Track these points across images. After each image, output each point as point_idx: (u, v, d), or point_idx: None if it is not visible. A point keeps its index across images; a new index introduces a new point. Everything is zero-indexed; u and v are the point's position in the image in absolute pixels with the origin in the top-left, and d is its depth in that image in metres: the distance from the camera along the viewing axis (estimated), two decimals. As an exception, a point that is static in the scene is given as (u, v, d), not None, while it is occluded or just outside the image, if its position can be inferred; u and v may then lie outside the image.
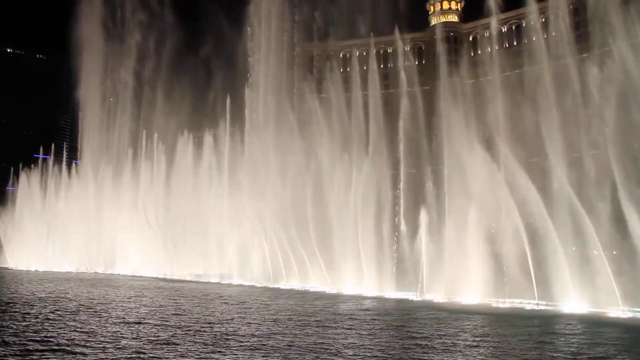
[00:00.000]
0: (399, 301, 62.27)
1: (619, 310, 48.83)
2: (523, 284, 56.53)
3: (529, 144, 62.40)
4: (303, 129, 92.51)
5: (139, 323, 38.15)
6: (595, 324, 42.24)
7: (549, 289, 54.47)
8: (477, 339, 34.16)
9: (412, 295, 66.25)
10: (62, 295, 58.82)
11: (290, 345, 30.11)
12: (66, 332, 33.55)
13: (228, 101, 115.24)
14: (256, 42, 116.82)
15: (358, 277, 74.54)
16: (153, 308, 48.72)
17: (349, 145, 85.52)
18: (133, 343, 30.26)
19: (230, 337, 32.56)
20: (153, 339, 31.75)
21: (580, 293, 52.19)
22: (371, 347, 30.37)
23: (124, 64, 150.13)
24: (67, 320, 38.50)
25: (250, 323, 39.51)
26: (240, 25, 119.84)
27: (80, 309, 46.27)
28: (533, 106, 63.80)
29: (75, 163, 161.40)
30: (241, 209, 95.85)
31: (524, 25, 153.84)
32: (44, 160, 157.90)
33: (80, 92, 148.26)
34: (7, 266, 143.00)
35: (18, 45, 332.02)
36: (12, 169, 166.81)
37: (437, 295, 64.43)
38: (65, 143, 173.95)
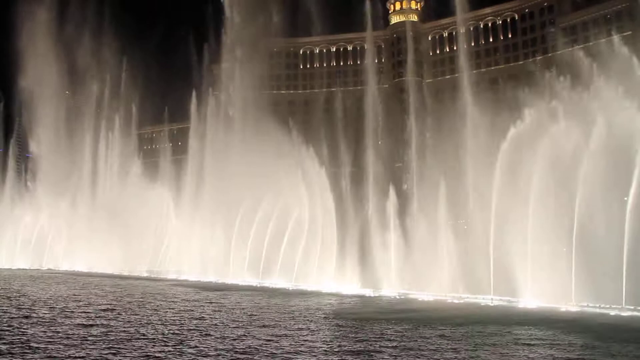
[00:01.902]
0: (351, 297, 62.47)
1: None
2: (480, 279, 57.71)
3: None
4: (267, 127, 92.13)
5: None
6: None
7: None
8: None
9: (369, 292, 66.85)
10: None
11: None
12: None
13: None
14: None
15: (318, 273, 74.77)
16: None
17: (307, 141, 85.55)
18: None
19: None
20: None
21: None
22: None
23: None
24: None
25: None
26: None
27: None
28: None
29: (28, 157, 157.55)
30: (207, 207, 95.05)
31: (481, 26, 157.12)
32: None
33: (26, 82, 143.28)
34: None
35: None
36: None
37: (393, 290, 65.21)
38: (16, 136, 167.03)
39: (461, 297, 58.53)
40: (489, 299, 55.97)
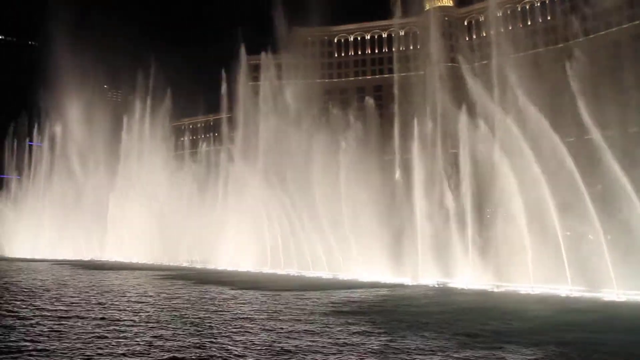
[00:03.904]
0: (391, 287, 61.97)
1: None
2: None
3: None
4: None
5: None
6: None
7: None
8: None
9: (408, 280, 66.47)
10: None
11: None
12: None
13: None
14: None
15: (355, 263, 74.58)
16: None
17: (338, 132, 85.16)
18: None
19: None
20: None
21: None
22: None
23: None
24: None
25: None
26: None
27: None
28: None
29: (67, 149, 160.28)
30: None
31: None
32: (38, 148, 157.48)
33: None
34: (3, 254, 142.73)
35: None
36: (5, 156, 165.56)
37: (431, 279, 64.77)
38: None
39: (500, 285, 57.61)
40: (529, 287, 54.97)
